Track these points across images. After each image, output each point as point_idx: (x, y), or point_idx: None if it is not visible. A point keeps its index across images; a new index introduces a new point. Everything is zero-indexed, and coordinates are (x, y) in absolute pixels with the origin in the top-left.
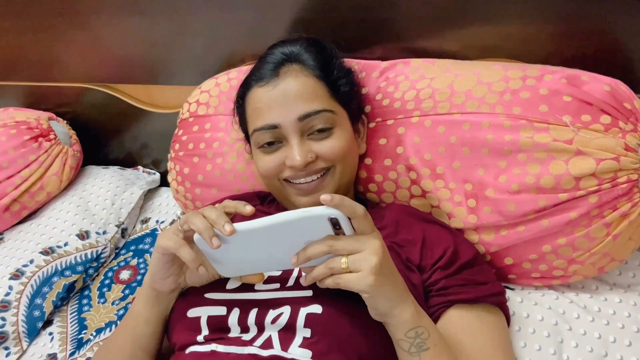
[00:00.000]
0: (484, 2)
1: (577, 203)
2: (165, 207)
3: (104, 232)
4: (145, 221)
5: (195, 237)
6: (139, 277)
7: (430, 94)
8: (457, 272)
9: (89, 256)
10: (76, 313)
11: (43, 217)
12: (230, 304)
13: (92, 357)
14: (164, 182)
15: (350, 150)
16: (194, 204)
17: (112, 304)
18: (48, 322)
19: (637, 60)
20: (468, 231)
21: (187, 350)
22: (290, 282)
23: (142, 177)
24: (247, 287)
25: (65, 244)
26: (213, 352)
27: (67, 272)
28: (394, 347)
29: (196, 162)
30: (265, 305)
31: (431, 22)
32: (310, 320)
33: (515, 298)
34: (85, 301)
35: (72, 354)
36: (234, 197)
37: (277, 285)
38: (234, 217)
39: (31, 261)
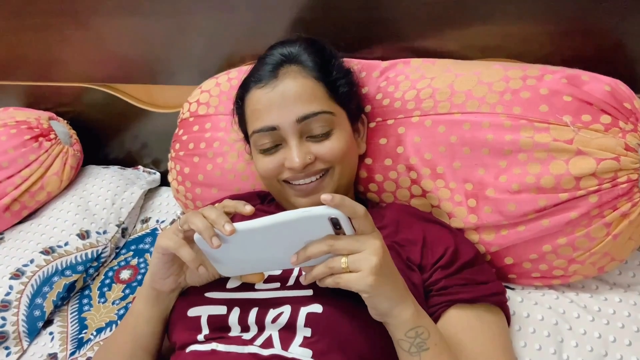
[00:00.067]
0: (484, 2)
1: (577, 203)
2: (166, 207)
3: (105, 232)
4: (146, 221)
5: (195, 236)
6: (139, 277)
7: (431, 93)
8: (458, 271)
9: (90, 256)
10: (76, 313)
11: (43, 217)
12: (230, 303)
13: (92, 357)
14: (164, 182)
15: (349, 151)
16: (194, 204)
17: (113, 303)
18: (48, 322)
19: (638, 60)
20: (468, 231)
21: (188, 350)
22: (291, 282)
23: (143, 177)
24: (247, 286)
25: (66, 244)
26: (213, 351)
27: (68, 272)
28: (394, 346)
29: (196, 161)
30: (265, 305)
31: (431, 22)
32: (310, 319)
33: (515, 298)
34: (85, 301)
35: (72, 353)
36: (234, 197)
37: (278, 285)
38: (234, 217)
39: (31, 261)
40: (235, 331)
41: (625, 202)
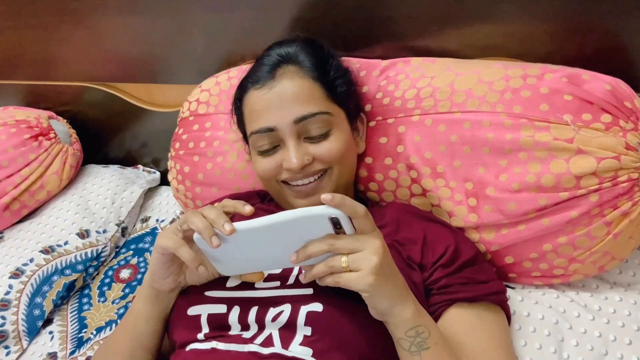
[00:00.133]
0: (485, 1)
1: (577, 202)
2: (166, 206)
3: (104, 231)
4: (146, 220)
5: (195, 236)
6: (139, 276)
7: (431, 92)
8: (458, 270)
9: (89, 255)
10: (76, 312)
11: (43, 216)
12: (230, 302)
13: (92, 356)
14: (164, 181)
15: (348, 151)
16: (194, 203)
17: (112, 302)
18: (48, 321)
19: (638, 59)
20: (469, 230)
21: (188, 348)
22: (291, 280)
23: (142, 176)
24: (247, 285)
25: (66, 243)
26: (213, 349)
27: (67, 271)
28: (394, 345)
29: (196, 160)
30: (265, 303)
31: (431, 20)
32: (310, 318)
33: (515, 297)
34: (85, 300)
35: (72, 352)
36: (233, 196)
37: (278, 283)
38: (233, 216)
39: (31, 260)
40: (235, 330)
41: (625, 201)
